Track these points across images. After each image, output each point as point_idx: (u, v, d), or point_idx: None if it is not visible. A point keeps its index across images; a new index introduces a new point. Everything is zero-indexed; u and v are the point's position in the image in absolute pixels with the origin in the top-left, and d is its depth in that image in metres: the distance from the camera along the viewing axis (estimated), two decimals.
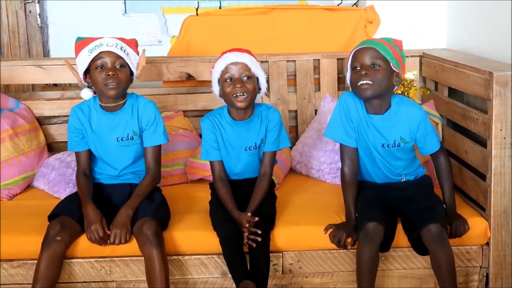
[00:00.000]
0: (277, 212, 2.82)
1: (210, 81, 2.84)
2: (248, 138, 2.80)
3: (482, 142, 2.84)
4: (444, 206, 2.74)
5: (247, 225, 2.59)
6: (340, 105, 2.75)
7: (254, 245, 2.57)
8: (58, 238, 2.56)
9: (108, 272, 2.70)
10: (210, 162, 2.84)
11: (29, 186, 3.26)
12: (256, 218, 2.62)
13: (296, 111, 3.57)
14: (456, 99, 3.19)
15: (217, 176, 2.81)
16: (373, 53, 2.61)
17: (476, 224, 2.76)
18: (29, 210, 2.93)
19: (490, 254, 2.77)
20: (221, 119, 2.81)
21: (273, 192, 2.91)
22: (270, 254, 2.64)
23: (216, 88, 2.78)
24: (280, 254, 2.73)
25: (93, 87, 2.78)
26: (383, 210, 2.64)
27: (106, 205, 2.74)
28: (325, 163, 3.27)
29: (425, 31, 3.72)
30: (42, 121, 3.48)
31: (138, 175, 2.84)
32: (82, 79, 2.80)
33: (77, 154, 2.83)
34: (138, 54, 2.82)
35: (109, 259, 2.70)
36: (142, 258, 2.60)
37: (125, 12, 4.94)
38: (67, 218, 2.64)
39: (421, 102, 3.37)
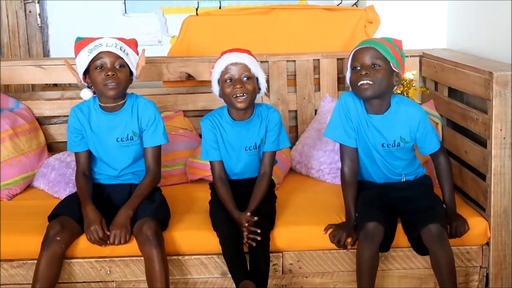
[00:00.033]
0: (277, 212, 2.82)
1: (210, 81, 2.84)
2: (248, 138, 2.80)
3: (482, 142, 2.84)
4: (444, 206, 2.74)
5: (246, 225, 2.60)
6: (340, 105, 2.75)
7: (254, 244, 2.57)
8: (58, 238, 2.56)
9: (108, 272, 2.70)
10: (210, 162, 2.84)
11: (29, 186, 3.26)
12: (256, 218, 2.61)
13: (296, 111, 3.57)
14: (456, 99, 3.19)
15: (217, 176, 2.81)
16: (373, 53, 2.61)
17: (476, 224, 2.76)
18: (29, 210, 2.93)
19: (490, 254, 2.77)
20: (221, 119, 2.81)
21: (273, 192, 2.91)
22: (270, 254, 2.64)
23: (216, 88, 2.78)
24: (280, 254, 2.73)
25: (92, 87, 2.78)
26: (383, 210, 2.64)
27: (106, 205, 2.74)
28: (325, 163, 3.27)
29: (425, 31, 3.72)
30: (42, 121, 3.48)
31: (138, 175, 2.84)
32: (81, 79, 2.80)
33: (76, 154, 2.83)
34: (137, 54, 2.82)
35: (109, 259, 2.70)
36: (142, 258, 2.60)
37: (125, 12, 4.93)
38: (67, 218, 2.64)
39: (420, 102, 3.37)
